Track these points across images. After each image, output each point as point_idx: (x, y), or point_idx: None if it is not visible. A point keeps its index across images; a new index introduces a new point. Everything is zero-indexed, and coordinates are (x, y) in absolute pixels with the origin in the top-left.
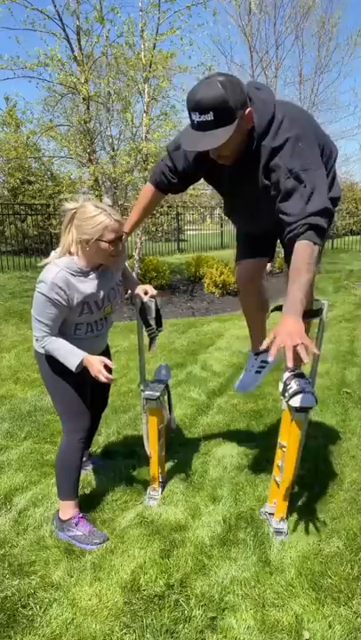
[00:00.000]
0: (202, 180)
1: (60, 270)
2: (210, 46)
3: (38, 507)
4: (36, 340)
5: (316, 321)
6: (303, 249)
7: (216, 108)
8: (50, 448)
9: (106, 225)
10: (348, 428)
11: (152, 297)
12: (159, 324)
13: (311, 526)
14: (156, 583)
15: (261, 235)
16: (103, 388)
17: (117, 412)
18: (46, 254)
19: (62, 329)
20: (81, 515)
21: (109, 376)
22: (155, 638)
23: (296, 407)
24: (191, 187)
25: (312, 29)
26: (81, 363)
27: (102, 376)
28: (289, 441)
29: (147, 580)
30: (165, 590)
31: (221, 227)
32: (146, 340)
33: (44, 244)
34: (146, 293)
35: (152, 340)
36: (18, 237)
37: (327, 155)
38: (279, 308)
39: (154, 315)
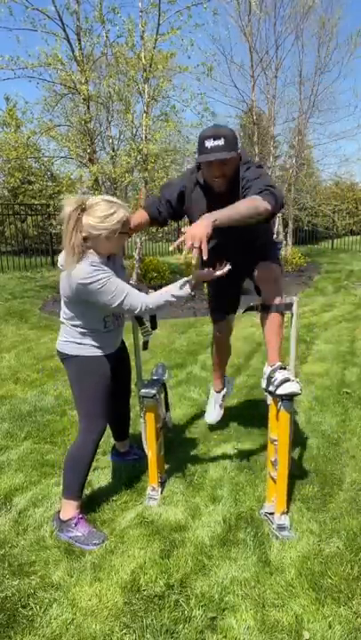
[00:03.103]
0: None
1: (90, 262)
2: (210, 46)
3: (38, 507)
4: (141, 309)
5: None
6: (256, 197)
7: (227, 137)
8: (50, 448)
9: (126, 218)
10: (349, 428)
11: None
12: (153, 322)
13: (311, 526)
14: (156, 583)
15: (228, 283)
16: (125, 378)
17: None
18: (46, 254)
19: (93, 325)
20: (81, 515)
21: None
22: (155, 638)
23: (282, 395)
24: None
25: (312, 29)
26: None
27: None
28: (279, 433)
29: (147, 580)
30: (165, 590)
31: None
32: (142, 340)
33: (44, 244)
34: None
35: (146, 338)
36: (18, 237)
37: None
38: (251, 308)
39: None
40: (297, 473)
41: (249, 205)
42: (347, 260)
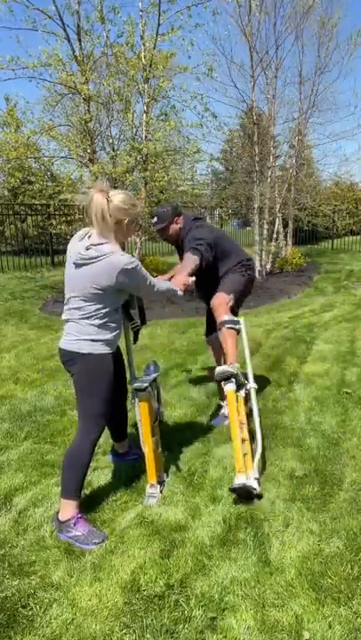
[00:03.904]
0: (202, 180)
1: (116, 247)
2: (210, 46)
3: (38, 507)
4: (158, 288)
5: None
6: (189, 255)
7: (159, 215)
8: (50, 448)
9: (141, 210)
10: (349, 428)
11: None
12: (143, 317)
13: (311, 526)
14: (156, 583)
15: (208, 310)
16: (121, 379)
17: None
18: (46, 254)
19: (113, 318)
20: (80, 515)
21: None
22: (155, 638)
23: (220, 378)
24: (192, 187)
25: (312, 29)
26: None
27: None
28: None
29: (147, 581)
30: (165, 590)
31: (221, 227)
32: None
33: (44, 244)
34: None
35: (136, 333)
36: (18, 237)
37: (216, 245)
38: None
39: (136, 309)
40: (297, 473)
41: (187, 261)
42: (347, 260)
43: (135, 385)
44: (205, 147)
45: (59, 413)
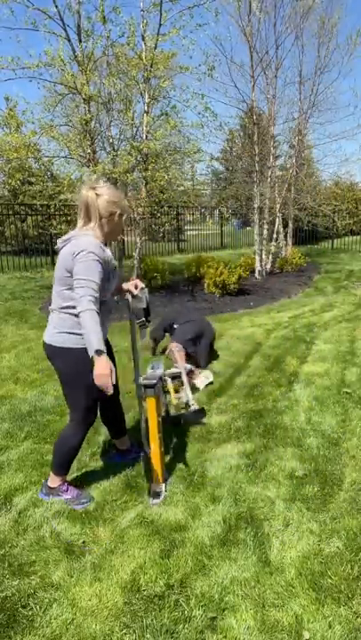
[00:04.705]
0: (202, 180)
1: (92, 238)
2: (210, 46)
3: (38, 507)
4: (80, 302)
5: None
6: None
7: None
8: (50, 448)
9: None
10: (349, 428)
11: (142, 289)
12: (148, 315)
13: (311, 526)
14: (156, 583)
15: None
16: (116, 373)
17: None
18: (46, 254)
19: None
20: (67, 481)
21: (110, 389)
22: (155, 638)
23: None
24: (191, 186)
25: (312, 29)
26: (99, 352)
27: (108, 380)
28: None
29: (147, 581)
30: (165, 590)
31: (222, 227)
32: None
33: (44, 244)
34: (136, 287)
35: (143, 329)
36: (18, 238)
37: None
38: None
39: (145, 305)
40: (297, 473)
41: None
42: (347, 259)
43: (144, 382)
44: (205, 147)
45: (59, 413)
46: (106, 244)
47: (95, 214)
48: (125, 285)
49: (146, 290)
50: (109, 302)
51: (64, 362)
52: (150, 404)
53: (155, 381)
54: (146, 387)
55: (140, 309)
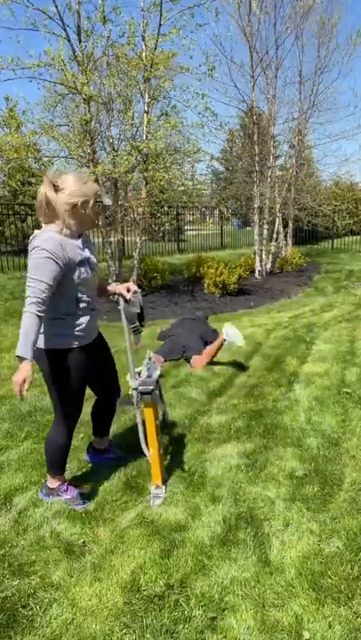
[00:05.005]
0: (203, 180)
1: (53, 233)
2: (210, 46)
3: (38, 507)
4: (25, 303)
5: None
6: None
7: None
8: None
9: (98, 188)
10: (348, 428)
11: (135, 293)
12: (142, 319)
13: (311, 526)
14: (156, 583)
15: None
16: (109, 375)
17: (117, 412)
18: None
19: (64, 306)
20: (67, 482)
21: (24, 393)
22: (155, 638)
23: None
24: (192, 186)
25: (312, 30)
26: (23, 356)
27: (18, 389)
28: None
29: (147, 580)
30: (165, 590)
31: (222, 227)
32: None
33: None
34: (128, 291)
35: (137, 334)
36: (18, 237)
37: None
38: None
39: (138, 310)
40: (297, 473)
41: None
42: (347, 259)
43: (141, 388)
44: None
45: None
46: (80, 236)
47: (57, 209)
48: (117, 288)
49: (139, 292)
50: (93, 302)
51: (44, 362)
52: (147, 411)
53: (152, 387)
54: (143, 393)
55: (133, 314)
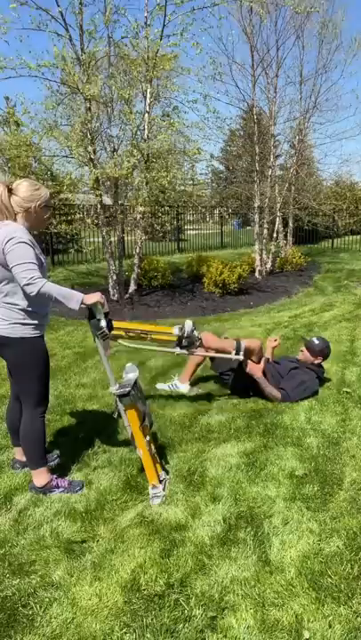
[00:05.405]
0: (202, 179)
1: (17, 225)
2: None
3: (38, 507)
4: (29, 284)
5: None
6: None
7: None
8: (49, 448)
9: (49, 193)
10: (348, 428)
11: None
12: (109, 325)
13: (311, 526)
14: (156, 583)
15: None
16: None
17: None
18: (46, 254)
19: (38, 308)
20: (54, 476)
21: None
22: (155, 638)
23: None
24: (192, 185)
25: (313, 30)
26: (83, 302)
27: (103, 300)
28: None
29: (147, 580)
30: (165, 590)
31: (221, 226)
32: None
33: (44, 244)
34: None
35: (105, 341)
36: None
37: None
38: None
39: (102, 317)
40: (297, 472)
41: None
42: (347, 259)
43: (118, 391)
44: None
45: (59, 413)
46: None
47: (9, 211)
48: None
49: (104, 299)
50: None
51: (16, 351)
52: (129, 412)
53: (128, 389)
54: (120, 396)
55: (96, 322)
